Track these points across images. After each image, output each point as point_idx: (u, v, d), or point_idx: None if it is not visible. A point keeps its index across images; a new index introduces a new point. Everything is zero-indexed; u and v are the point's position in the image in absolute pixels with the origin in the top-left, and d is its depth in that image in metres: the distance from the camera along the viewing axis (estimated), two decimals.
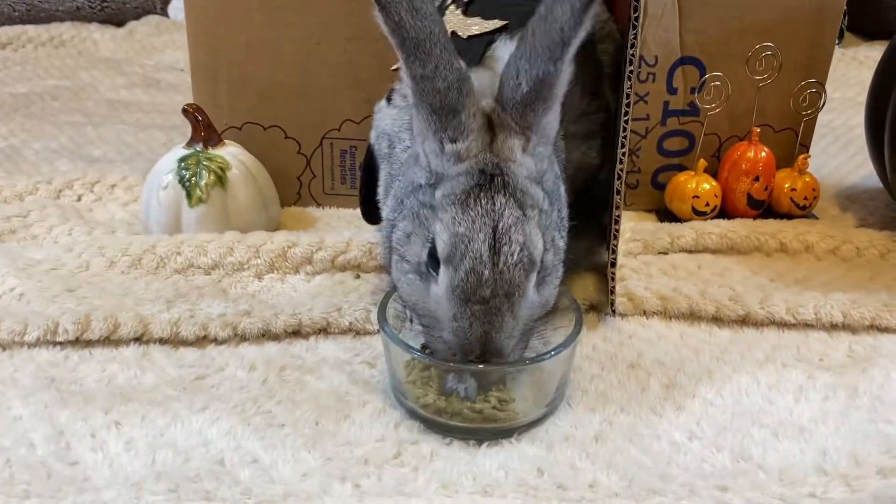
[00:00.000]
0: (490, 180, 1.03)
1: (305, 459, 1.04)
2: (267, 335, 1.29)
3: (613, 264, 1.30)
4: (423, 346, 1.12)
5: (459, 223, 1.01)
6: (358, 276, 1.45)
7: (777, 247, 1.54)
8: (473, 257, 0.99)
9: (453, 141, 1.04)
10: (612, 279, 1.31)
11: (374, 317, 1.30)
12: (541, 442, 1.08)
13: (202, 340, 1.28)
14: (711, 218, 1.63)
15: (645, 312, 1.36)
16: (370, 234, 1.50)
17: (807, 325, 1.34)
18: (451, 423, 1.08)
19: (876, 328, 1.33)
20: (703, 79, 1.61)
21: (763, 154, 1.63)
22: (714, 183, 1.64)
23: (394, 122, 1.27)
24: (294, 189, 1.71)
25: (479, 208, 1.01)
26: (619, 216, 1.27)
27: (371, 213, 1.44)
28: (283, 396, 1.16)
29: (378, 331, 1.22)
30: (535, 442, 1.05)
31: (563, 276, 1.15)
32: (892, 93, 1.51)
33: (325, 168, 1.69)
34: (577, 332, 1.10)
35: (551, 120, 1.08)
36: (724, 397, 1.17)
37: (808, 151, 1.70)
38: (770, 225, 1.58)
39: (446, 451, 1.06)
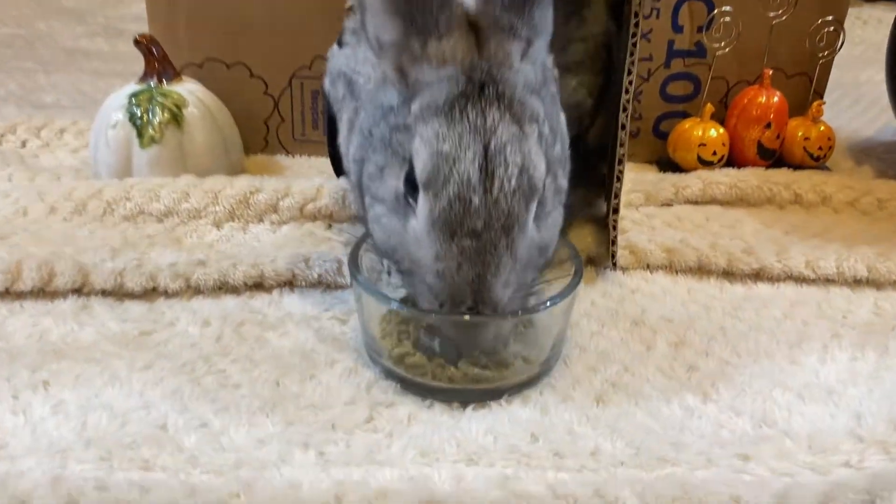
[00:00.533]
0: (480, 90, 0.88)
1: (262, 424, 0.90)
2: (224, 288, 1.14)
3: (616, 210, 1.16)
4: (404, 300, 0.98)
5: (442, 139, 0.85)
6: (330, 227, 1.31)
7: (791, 198, 1.41)
8: (460, 181, 0.84)
9: (435, 38, 0.89)
10: (614, 228, 1.17)
11: (346, 269, 1.16)
12: (534, 404, 0.94)
13: (150, 293, 1.14)
14: (719, 168, 1.49)
15: (648, 266, 1.22)
16: (345, 180, 1.34)
17: (828, 281, 1.21)
18: (432, 384, 0.94)
19: None
20: (712, 15, 1.47)
21: (775, 99, 1.49)
22: (722, 130, 1.50)
23: (348, 60, 1.11)
24: (260, 134, 1.56)
25: (467, 122, 0.86)
26: (623, 154, 1.13)
27: (340, 167, 1.30)
28: (240, 354, 1.01)
29: (350, 282, 1.07)
30: (528, 404, 0.93)
31: (563, 224, 1.01)
32: None
33: (295, 111, 1.54)
34: (577, 282, 0.96)
35: (548, 16, 0.93)
36: (740, 356, 1.04)
37: (822, 98, 1.56)
38: (783, 175, 1.44)
39: (426, 415, 0.92)
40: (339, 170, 1.33)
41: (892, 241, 1.29)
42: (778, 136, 1.50)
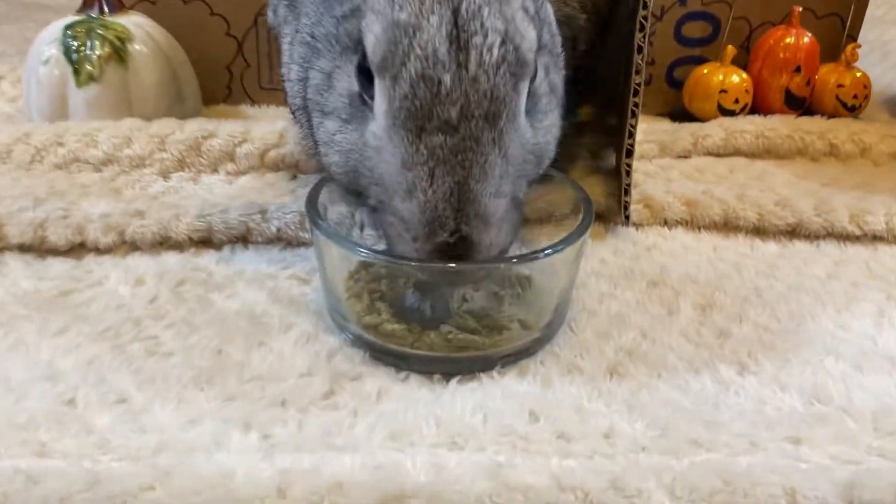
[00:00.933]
0: None
1: (195, 399, 0.72)
2: (166, 244, 0.96)
3: (630, 152, 0.98)
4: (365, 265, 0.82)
5: (398, 5, 0.68)
6: (295, 177, 1.13)
7: (826, 149, 1.24)
8: (423, 55, 0.67)
9: None
10: (627, 174, 0.99)
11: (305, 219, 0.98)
12: (534, 376, 0.77)
13: (79, 249, 0.95)
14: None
15: (666, 222, 1.05)
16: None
17: (875, 238, 1.03)
18: (408, 352, 0.77)
19: None
20: None
21: (806, 40, 1.31)
22: (745, 75, 1.32)
23: None
24: (222, 82, 1.38)
25: None
26: (639, 84, 0.95)
27: None
28: (177, 318, 0.84)
29: (309, 231, 0.88)
30: (527, 376, 0.77)
31: (560, 132, 0.83)
32: None
33: (262, 55, 1.36)
34: (586, 226, 0.78)
35: None
36: (781, 321, 0.87)
37: (856, 41, 1.39)
38: (817, 123, 1.27)
39: (400, 389, 0.75)
40: None
41: None
42: (808, 83, 1.33)
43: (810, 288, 0.93)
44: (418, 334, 0.76)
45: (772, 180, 1.15)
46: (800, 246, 1.03)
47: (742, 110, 1.33)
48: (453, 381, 0.76)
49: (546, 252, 0.75)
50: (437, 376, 0.76)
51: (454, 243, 0.68)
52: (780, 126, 1.24)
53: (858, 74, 1.34)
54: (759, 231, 1.05)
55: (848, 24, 1.37)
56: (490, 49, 0.68)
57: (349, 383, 0.75)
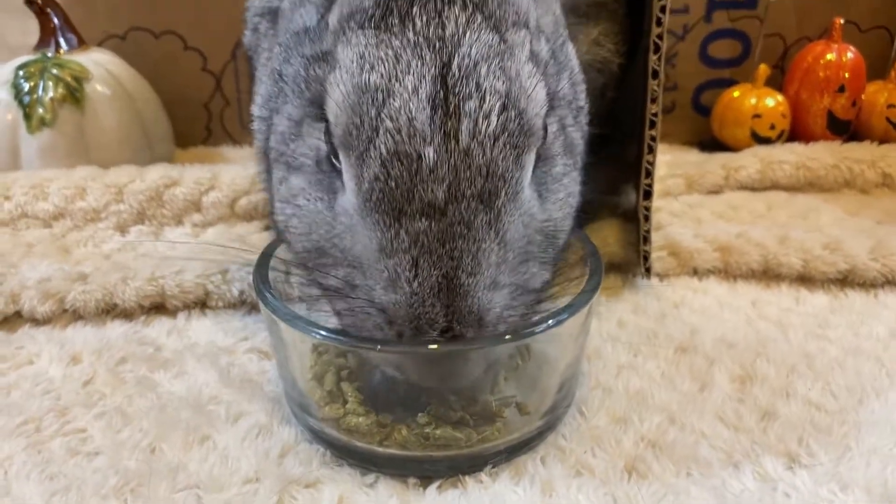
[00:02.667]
0: None
1: None
2: (114, 312, 0.83)
3: (648, 194, 0.84)
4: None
5: (369, 64, 0.55)
6: (268, 228, 0.99)
7: (878, 179, 1.09)
8: (393, 128, 0.54)
9: None
10: (646, 219, 0.85)
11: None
12: (532, 479, 0.62)
13: (15, 319, 0.83)
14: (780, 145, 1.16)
15: (696, 272, 0.92)
16: None
17: None
18: (377, 451, 0.62)
19: None
20: None
21: (849, 56, 1.16)
22: (781, 98, 1.18)
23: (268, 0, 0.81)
24: (200, 122, 1.26)
25: (410, 33, 0.56)
26: (655, 114, 0.81)
27: None
28: (111, 406, 0.71)
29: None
30: (523, 479, 0.64)
31: (579, 200, 0.69)
32: None
33: (243, 90, 1.24)
34: (593, 289, 0.64)
35: None
36: (837, 397, 0.72)
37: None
38: (866, 149, 1.12)
39: (366, 499, 0.60)
40: None
41: None
42: (854, 104, 1.17)
43: (870, 352, 0.78)
44: (389, 429, 0.62)
45: (818, 218, 1.00)
46: (854, 297, 0.88)
47: (779, 137, 1.18)
48: (432, 487, 0.62)
49: (545, 325, 0.60)
50: (412, 480, 0.62)
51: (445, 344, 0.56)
52: (823, 154, 1.09)
53: None
54: (806, 280, 0.90)
55: None
56: (487, 116, 0.55)
57: (303, 491, 0.61)
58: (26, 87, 1.03)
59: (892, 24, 1.22)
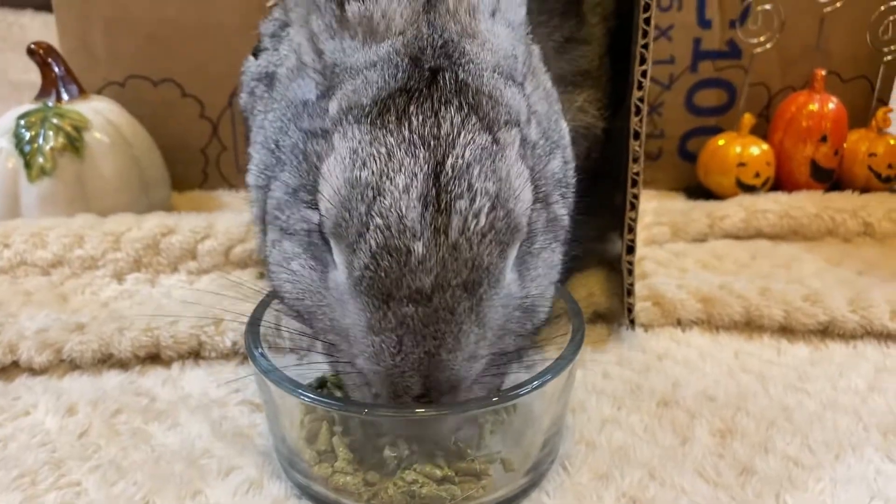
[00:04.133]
0: (431, 79, 0.61)
1: None
2: (110, 362, 0.85)
3: (631, 249, 0.86)
4: (322, 382, 0.70)
5: (361, 161, 0.58)
6: (262, 276, 1.01)
7: (860, 228, 1.11)
8: (383, 224, 0.57)
9: None
10: (629, 272, 0.87)
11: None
12: None
13: (12, 369, 0.85)
14: (764, 194, 1.19)
15: (680, 322, 0.94)
16: None
17: None
18: None
19: None
20: (747, 3, 1.18)
21: (831, 106, 1.19)
22: (765, 146, 1.20)
23: (269, 60, 0.84)
24: (197, 166, 1.28)
25: (405, 130, 0.59)
26: (638, 172, 0.83)
27: None
28: (106, 458, 0.73)
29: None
30: None
31: (564, 267, 0.72)
32: None
33: (238, 136, 1.27)
34: (575, 349, 0.66)
35: None
36: (814, 451, 0.73)
37: (887, 105, 1.26)
38: (848, 199, 1.14)
39: None
40: None
41: None
42: (836, 153, 1.20)
43: (848, 405, 0.79)
44: (377, 488, 0.63)
45: (800, 268, 1.02)
46: (834, 348, 0.90)
47: (764, 185, 1.20)
48: None
49: (530, 385, 0.62)
50: None
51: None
52: (806, 204, 1.11)
53: (892, 142, 1.21)
54: (787, 331, 0.92)
55: (878, 86, 1.24)
56: (477, 215, 0.58)
57: None
58: (27, 136, 1.05)
59: (873, 74, 1.25)
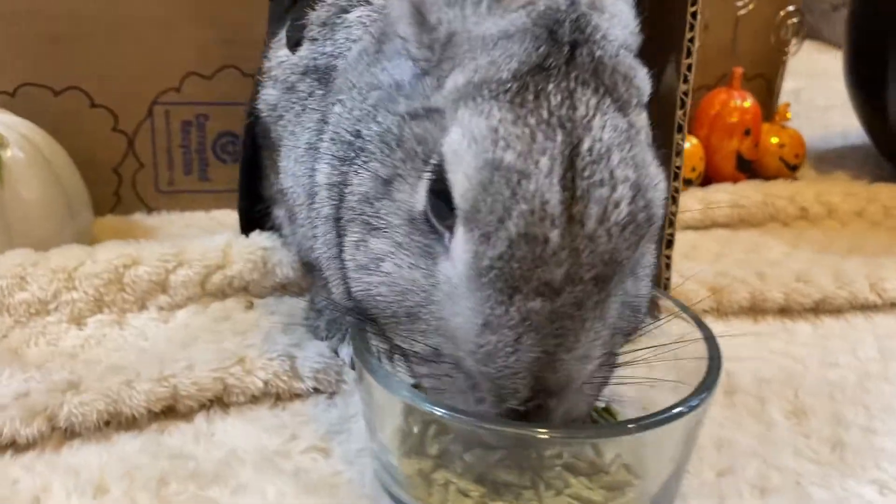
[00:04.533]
0: (570, 54, 0.56)
1: None
2: (115, 422, 0.70)
3: (670, 244, 0.86)
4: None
5: (504, 140, 0.52)
6: (251, 305, 0.89)
7: (797, 213, 1.19)
8: (527, 210, 0.51)
9: None
10: (668, 267, 0.87)
11: (303, 366, 0.76)
12: None
13: None
14: (698, 187, 1.25)
15: None
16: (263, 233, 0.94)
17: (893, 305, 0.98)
18: None
19: None
20: None
21: (750, 102, 1.28)
22: (696, 141, 1.27)
23: (316, 52, 0.74)
24: (109, 188, 1.11)
25: (544, 111, 0.54)
26: (679, 166, 0.83)
27: (259, 222, 0.95)
28: None
29: (358, 376, 0.67)
30: None
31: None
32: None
33: (160, 152, 1.11)
34: (715, 378, 0.62)
35: None
36: (884, 420, 0.77)
37: (776, 100, 1.38)
38: (783, 186, 1.23)
39: None
40: (251, 225, 0.94)
41: None
42: (756, 145, 1.29)
43: (880, 373, 0.85)
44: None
45: (769, 253, 1.08)
46: (830, 324, 0.96)
47: (698, 178, 1.26)
48: None
49: (663, 416, 0.58)
50: None
51: (525, 412, 0.55)
52: (750, 192, 1.18)
53: (793, 133, 1.33)
54: (784, 312, 0.96)
55: (777, 83, 1.36)
56: (618, 205, 0.53)
57: None
58: None
59: (771, 73, 1.36)
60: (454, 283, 0.55)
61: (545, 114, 0.54)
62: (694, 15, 0.77)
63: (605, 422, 0.70)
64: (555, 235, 0.52)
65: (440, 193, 0.55)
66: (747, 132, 1.27)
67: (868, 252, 1.09)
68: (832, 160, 1.47)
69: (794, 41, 1.32)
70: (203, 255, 0.89)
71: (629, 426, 0.57)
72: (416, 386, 0.62)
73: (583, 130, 0.54)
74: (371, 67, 0.64)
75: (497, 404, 0.54)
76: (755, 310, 0.96)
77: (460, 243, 0.54)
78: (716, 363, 0.63)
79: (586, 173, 0.53)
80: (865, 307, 0.98)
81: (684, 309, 0.71)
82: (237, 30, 1.06)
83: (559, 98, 0.54)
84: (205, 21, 1.05)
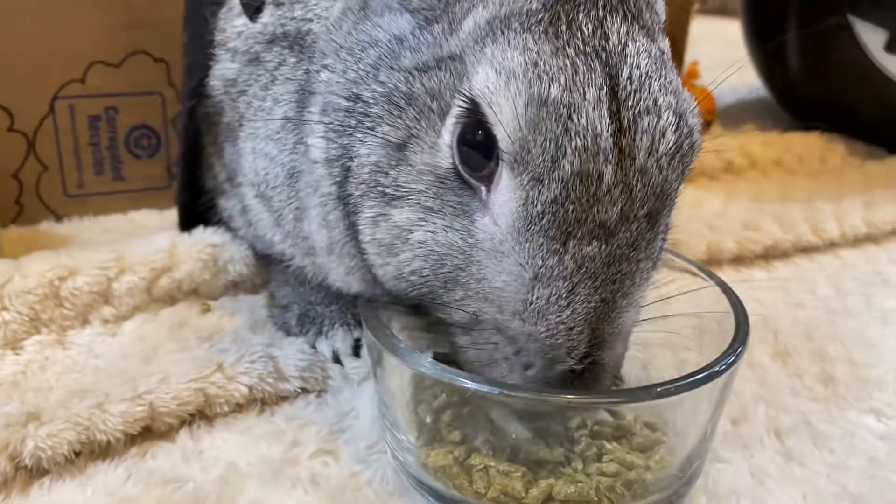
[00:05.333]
0: None
1: None
2: (86, 451, 0.62)
3: None
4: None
5: (546, 72, 0.49)
6: (208, 308, 0.82)
7: (722, 166, 1.22)
8: (581, 146, 0.49)
9: None
10: None
11: (287, 365, 0.70)
12: None
13: None
14: None
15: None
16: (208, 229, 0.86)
17: (833, 244, 1.04)
18: None
19: None
20: None
21: None
22: None
23: (283, 17, 0.68)
24: (9, 196, 0.99)
25: (579, 41, 0.52)
26: None
27: (201, 217, 0.86)
28: None
29: (372, 350, 0.60)
30: None
31: None
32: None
33: (65, 151, 1.00)
34: (744, 339, 0.60)
35: None
36: (863, 349, 0.82)
37: (683, 60, 1.42)
38: (705, 141, 1.24)
39: None
40: (197, 220, 0.86)
41: (848, 195, 1.15)
42: None
43: (845, 308, 0.89)
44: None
45: (709, 206, 1.10)
46: (780, 267, 0.99)
47: None
48: None
49: (717, 369, 0.56)
50: None
51: (581, 370, 0.52)
52: None
53: (703, 89, 1.36)
54: (738, 259, 0.99)
55: (683, 43, 1.39)
56: (664, 133, 0.52)
57: None
58: None
59: (678, 33, 1.39)
60: (497, 238, 0.52)
61: (580, 44, 0.51)
62: None
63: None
64: (609, 171, 0.50)
65: (473, 143, 0.52)
66: None
67: (798, 198, 1.13)
68: (736, 115, 1.53)
69: (696, 5, 1.35)
70: (147, 259, 0.80)
71: (685, 382, 0.54)
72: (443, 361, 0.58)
73: (619, 59, 0.52)
74: (360, 25, 0.59)
75: (548, 367, 0.51)
76: (712, 261, 0.97)
77: (506, 191, 0.51)
78: (741, 316, 0.62)
79: (630, 103, 0.51)
80: (808, 249, 1.02)
81: (694, 264, 0.70)
82: (145, 12, 0.96)
83: (591, 27, 0.52)
84: (108, 4, 0.95)
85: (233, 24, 0.71)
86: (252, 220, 0.77)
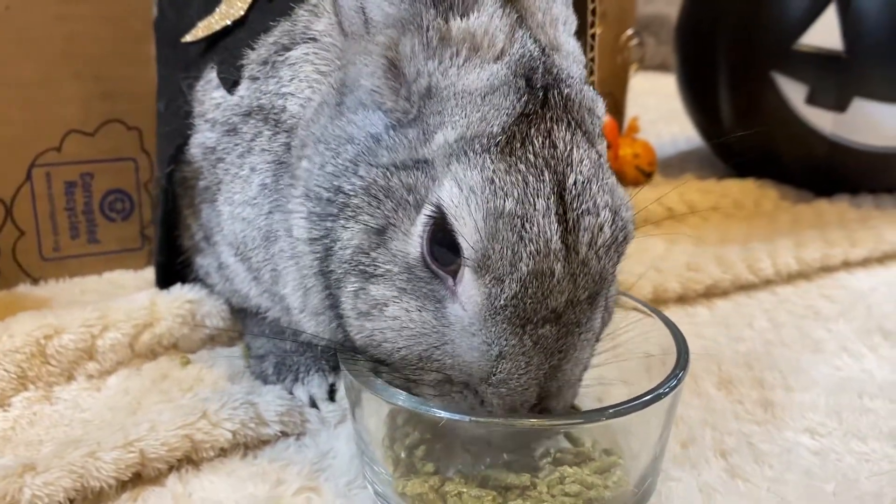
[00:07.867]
0: (543, 97, 0.62)
1: None
2: (79, 498, 0.65)
3: None
4: None
5: (501, 190, 0.57)
6: (188, 361, 0.86)
7: (664, 213, 1.31)
8: (535, 250, 0.57)
9: (463, 14, 0.61)
10: None
11: (266, 410, 0.75)
12: None
13: None
14: None
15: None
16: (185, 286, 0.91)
17: (768, 282, 1.12)
18: None
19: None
20: None
21: (607, 118, 1.38)
22: None
23: (259, 91, 0.74)
24: None
25: (530, 154, 0.59)
26: None
27: (178, 274, 0.92)
28: None
29: (350, 389, 0.65)
30: None
31: None
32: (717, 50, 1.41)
33: (41, 216, 1.03)
34: (685, 366, 0.67)
35: None
36: (798, 375, 0.88)
37: (624, 116, 1.52)
38: (646, 192, 1.31)
39: None
40: (173, 278, 0.91)
41: (780, 236, 1.24)
42: (616, 158, 1.40)
43: (780, 339, 0.96)
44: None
45: (654, 249, 1.18)
46: (720, 304, 1.06)
47: None
48: None
49: (658, 394, 0.63)
50: None
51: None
52: None
53: (644, 142, 1.46)
54: (682, 299, 1.06)
55: (623, 100, 1.49)
56: (601, 228, 0.59)
57: None
58: None
59: (619, 91, 1.49)
60: (466, 321, 0.59)
61: (532, 157, 0.59)
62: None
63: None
64: (558, 267, 0.57)
65: (441, 241, 0.59)
66: (608, 146, 1.38)
67: (735, 240, 1.22)
68: (677, 164, 1.64)
69: (635, 63, 1.45)
70: (129, 316, 0.85)
71: (634, 403, 0.61)
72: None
73: (565, 166, 0.59)
74: (335, 120, 0.65)
75: (507, 415, 0.60)
76: (658, 300, 1.04)
77: (470, 288, 0.58)
78: (682, 346, 0.69)
79: (575, 205, 0.59)
80: (746, 287, 1.10)
81: (642, 303, 0.77)
82: (119, 83, 1.02)
83: (540, 140, 0.60)
84: (83, 76, 1.00)
85: (211, 97, 0.77)
86: (229, 275, 0.83)
